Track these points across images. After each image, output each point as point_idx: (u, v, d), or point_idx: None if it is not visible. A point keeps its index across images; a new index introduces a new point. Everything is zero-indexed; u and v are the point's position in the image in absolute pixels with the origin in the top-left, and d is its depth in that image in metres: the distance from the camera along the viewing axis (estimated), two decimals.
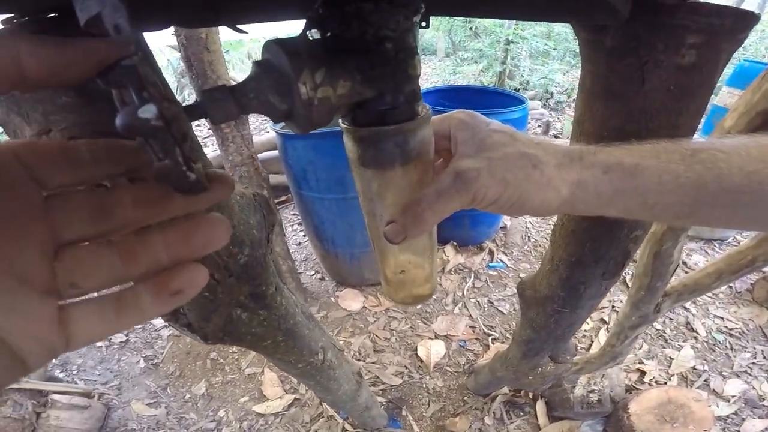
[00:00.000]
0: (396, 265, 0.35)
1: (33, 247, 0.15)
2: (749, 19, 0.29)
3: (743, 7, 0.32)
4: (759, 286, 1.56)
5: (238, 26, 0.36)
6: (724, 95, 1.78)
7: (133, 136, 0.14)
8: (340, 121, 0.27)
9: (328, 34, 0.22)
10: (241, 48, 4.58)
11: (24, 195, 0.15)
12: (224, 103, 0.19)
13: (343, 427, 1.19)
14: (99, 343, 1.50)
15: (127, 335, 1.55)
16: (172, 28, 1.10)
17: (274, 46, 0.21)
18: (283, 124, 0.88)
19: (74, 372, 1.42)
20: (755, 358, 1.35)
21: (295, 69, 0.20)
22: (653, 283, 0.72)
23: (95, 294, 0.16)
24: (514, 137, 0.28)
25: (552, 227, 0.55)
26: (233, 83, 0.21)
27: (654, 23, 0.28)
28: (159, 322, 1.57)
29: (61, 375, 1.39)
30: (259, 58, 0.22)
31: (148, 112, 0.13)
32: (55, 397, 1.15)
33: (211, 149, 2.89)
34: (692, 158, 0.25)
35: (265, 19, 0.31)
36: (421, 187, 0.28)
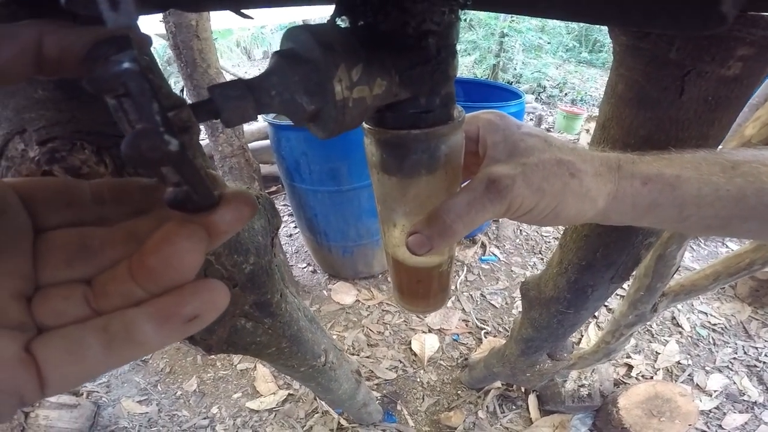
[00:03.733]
0: (412, 276, 0.33)
1: (6, 286, 0.13)
2: None
3: None
4: (741, 282, 1.60)
5: (243, 11, 0.32)
6: None
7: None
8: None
9: (360, 24, 0.19)
10: (230, 36, 4.40)
11: (15, 229, 0.13)
12: (241, 102, 0.16)
13: (339, 423, 1.18)
14: None
15: None
16: (159, 15, 1.03)
17: (303, 33, 0.18)
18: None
19: None
20: (736, 353, 1.39)
21: (331, 64, 0.17)
22: (653, 284, 0.72)
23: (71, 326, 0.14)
24: (549, 142, 0.26)
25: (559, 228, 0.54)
26: (226, 73, 0.18)
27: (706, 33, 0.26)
28: None
29: None
30: (278, 48, 0.19)
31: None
32: None
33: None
34: (733, 171, 0.25)
35: (278, 4, 0.28)
36: (448, 194, 0.26)
